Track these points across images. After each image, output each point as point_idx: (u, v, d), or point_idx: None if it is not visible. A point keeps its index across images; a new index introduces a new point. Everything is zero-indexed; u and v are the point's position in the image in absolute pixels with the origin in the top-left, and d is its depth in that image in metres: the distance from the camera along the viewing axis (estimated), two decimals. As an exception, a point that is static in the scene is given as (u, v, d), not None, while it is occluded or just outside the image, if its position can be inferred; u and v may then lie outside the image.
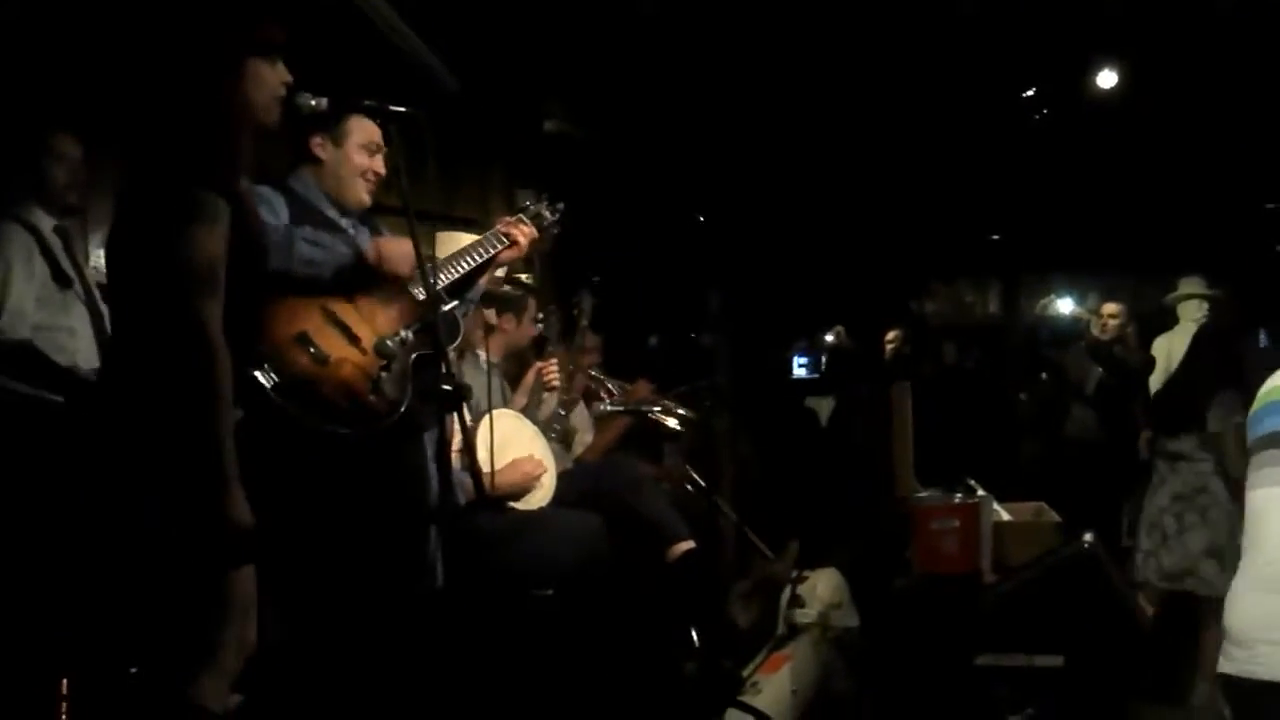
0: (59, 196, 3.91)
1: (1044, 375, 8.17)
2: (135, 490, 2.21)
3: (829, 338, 10.56)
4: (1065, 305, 9.80)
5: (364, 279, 3.04)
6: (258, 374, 2.73)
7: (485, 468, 3.73)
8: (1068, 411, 7.31)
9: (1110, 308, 7.21)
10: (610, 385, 5.55)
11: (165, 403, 2.17)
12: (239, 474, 2.17)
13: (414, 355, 3.06)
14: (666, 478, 5.57)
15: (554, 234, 3.72)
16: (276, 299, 2.86)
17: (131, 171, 2.37)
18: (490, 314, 4.47)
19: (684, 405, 5.52)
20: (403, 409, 2.98)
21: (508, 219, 3.53)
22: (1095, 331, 7.19)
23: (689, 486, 5.75)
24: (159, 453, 2.18)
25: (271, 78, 2.64)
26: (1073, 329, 8.36)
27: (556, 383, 4.59)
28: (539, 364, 4.64)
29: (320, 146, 3.24)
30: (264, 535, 2.26)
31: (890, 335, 8.94)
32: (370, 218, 3.37)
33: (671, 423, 5.39)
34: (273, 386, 2.75)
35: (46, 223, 3.87)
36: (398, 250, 3.07)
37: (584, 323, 5.32)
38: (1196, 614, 5.15)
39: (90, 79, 4.05)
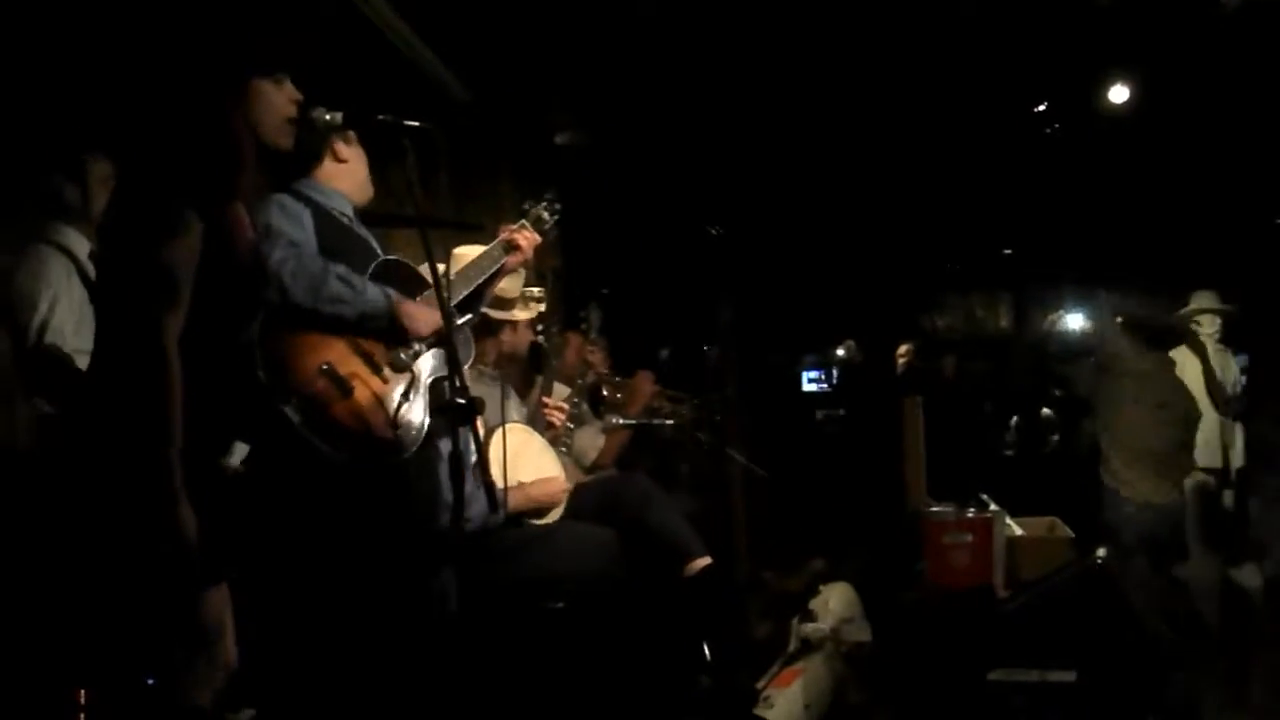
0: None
1: (1057, 392, 8.15)
2: (98, 503, 2.22)
3: (840, 351, 10.55)
4: (1074, 320, 9.77)
5: (382, 330, 3.04)
6: (286, 409, 2.74)
7: (498, 481, 3.73)
8: (1077, 426, 7.27)
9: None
10: (613, 382, 5.58)
11: (114, 415, 2.18)
12: (188, 492, 2.17)
13: (431, 379, 3.07)
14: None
15: (556, 235, 3.74)
16: (302, 331, 2.88)
17: (118, 182, 2.39)
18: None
19: (687, 401, 5.57)
20: (423, 437, 2.99)
21: (510, 227, 3.54)
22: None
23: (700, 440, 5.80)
24: (112, 466, 2.18)
25: (278, 98, 2.57)
26: (1082, 344, 8.32)
27: (557, 423, 4.57)
28: (544, 399, 4.64)
29: (342, 149, 3.28)
30: (281, 559, 2.27)
31: (902, 349, 8.92)
32: (375, 225, 3.39)
33: (682, 410, 5.44)
34: (300, 420, 2.76)
35: (82, 246, 3.86)
36: (424, 317, 3.08)
37: (592, 335, 5.32)
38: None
39: (121, 102, 4.07)
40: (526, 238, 3.53)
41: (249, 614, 2.67)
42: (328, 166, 3.30)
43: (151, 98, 2.49)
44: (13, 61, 3.85)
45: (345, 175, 3.32)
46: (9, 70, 3.85)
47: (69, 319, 3.72)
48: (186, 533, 2.17)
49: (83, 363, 3.68)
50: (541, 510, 4.07)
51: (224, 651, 2.27)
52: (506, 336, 4.46)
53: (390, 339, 3.05)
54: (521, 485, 3.99)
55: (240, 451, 2.68)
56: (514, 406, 4.51)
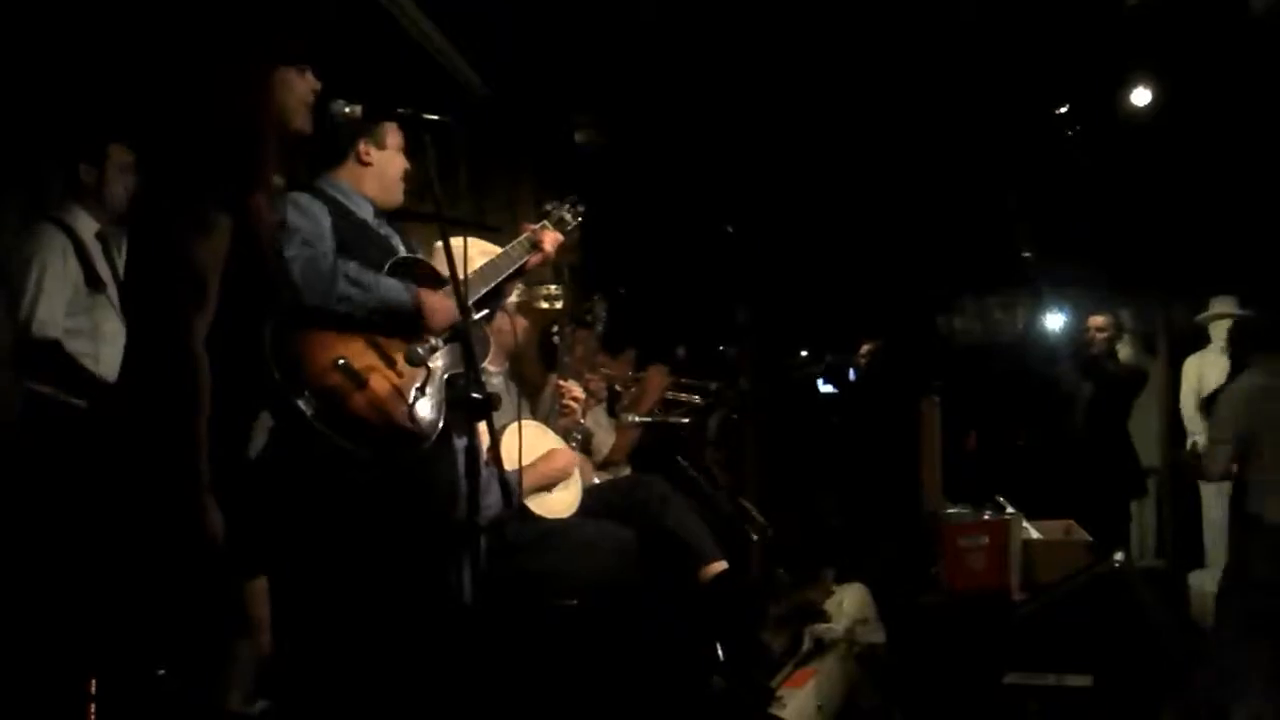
0: (117, 206, 3.94)
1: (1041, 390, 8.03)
2: (122, 495, 2.23)
3: (804, 353, 10.41)
4: (1054, 320, 9.65)
5: (400, 325, 3.04)
6: (299, 402, 2.75)
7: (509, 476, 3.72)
8: (1061, 426, 7.15)
9: (1097, 320, 6.95)
10: (625, 378, 5.58)
11: (143, 409, 2.19)
12: (213, 484, 2.18)
13: (446, 375, 3.07)
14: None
15: (577, 236, 3.74)
16: (316, 328, 2.88)
17: (143, 177, 2.40)
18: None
19: (701, 388, 5.58)
20: (437, 432, 2.99)
21: (532, 226, 3.54)
22: (1087, 345, 6.98)
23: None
24: (138, 459, 2.19)
25: (301, 85, 2.69)
26: (1065, 343, 8.25)
27: (575, 406, 4.55)
28: (558, 382, 4.62)
29: (367, 152, 3.26)
30: (297, 550, 2.27)
31: (865, 349, 8.70)
32: (394, 220, 3.38)
33: (696, 399, 5.44)
34: (314, 414, 2.76)
35: (88, 227, 3.89)
36: (441, 307, 3.08)
37: (598, 328, 5.31)
38: None
39: (143, 90, 4.10)
40: (549, 238, 3.53)
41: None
42: (352, 168, 3.28)
43: (180, 87, 2.50)
44: (40, 50, 3.87)
45: (370, 178, 3.29)
46: (36, 58, 3.87)
47: (60, 296, 3.75)
48: (213, 529, 2.17)
49: (71, 344, 3.73)
50: (556, 482, 4.07)
51: (262, 644, 2.28)
52: (504, 325, 4.43)
53: (408, 332, 3.05)
54: (531, 465, 3.98)
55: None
56: (525, 408, 4.50)
